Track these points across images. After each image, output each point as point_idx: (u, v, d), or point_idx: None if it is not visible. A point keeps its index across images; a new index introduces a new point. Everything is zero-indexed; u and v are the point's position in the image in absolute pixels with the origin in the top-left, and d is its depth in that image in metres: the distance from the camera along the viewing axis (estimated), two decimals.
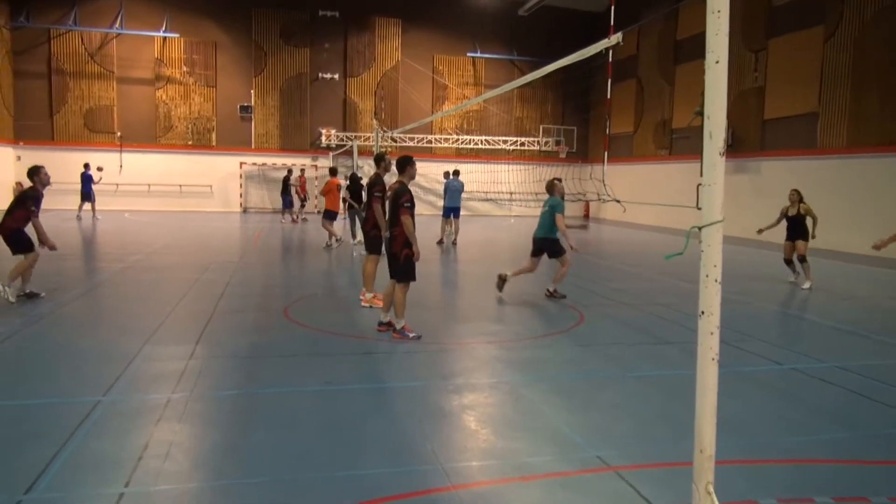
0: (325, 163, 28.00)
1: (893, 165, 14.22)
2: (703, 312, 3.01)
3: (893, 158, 15.03)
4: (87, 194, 21.72)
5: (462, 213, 28.50)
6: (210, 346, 6.48)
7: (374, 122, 28.09)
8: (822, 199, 17.33)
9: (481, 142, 29.27)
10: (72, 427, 4.29)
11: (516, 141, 29.74)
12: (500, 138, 29.60)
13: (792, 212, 11.36)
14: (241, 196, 27.96)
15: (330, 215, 15.39)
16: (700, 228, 3.02)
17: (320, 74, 28.43)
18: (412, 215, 6.97)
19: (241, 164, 27.73)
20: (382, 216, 8.22)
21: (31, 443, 4.04)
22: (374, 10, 28.55)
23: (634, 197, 22.69)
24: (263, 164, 28.01)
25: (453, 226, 16.63)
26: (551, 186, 9.94)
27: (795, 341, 7.61)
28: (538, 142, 29.73)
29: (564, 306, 9.09)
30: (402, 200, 6.91)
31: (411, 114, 26.84)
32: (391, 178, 7.12)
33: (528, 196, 28.56)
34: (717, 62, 2.95)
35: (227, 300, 8.83)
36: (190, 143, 27.40)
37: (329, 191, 15.55)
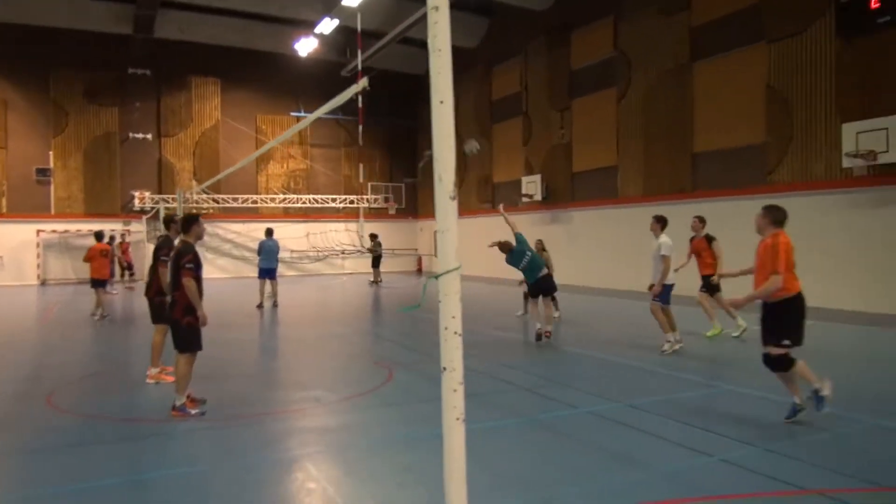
0: (139, 227, 26.00)
1: (682, 210, 15.59)
2: (444, 368, 2.77)
3: (683, 205, 16.50)
4: None
5: (291, 273, 27.86)
6: None
7: (193, 182, 26.73)
8: (623, 243, 18.74)
9: (309, 200, 28.72)
10: None
11: (345, 199, 29.53)
12: (329, 197, 29.24)
13: None
14: (38, 267, 25.03)
15: (97, 283, 14.28)
16: (437, 277, 2.82)
17: (131, 134, 26.57)
18: (197, 277, 6.36)
19: (39, 231, 24.93)
20: (168, 281, 7.50)
21: None
22: (189, 70, 27.38)
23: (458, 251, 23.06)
24: (66, 231, 25.37)
25: (273, 287, 15.84)
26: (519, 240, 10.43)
27: (590, 382, 7.67)
28: (367, 199, 29.72)
29: (373, 365, 8.72)
30: (184, 261, 6.29)
31: (234, 174, 25.77)
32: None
33: (358, 254, 28.34)
34: (442, 102, 2.81)
35: None
36: None
37: (92, 257, 14.37)
